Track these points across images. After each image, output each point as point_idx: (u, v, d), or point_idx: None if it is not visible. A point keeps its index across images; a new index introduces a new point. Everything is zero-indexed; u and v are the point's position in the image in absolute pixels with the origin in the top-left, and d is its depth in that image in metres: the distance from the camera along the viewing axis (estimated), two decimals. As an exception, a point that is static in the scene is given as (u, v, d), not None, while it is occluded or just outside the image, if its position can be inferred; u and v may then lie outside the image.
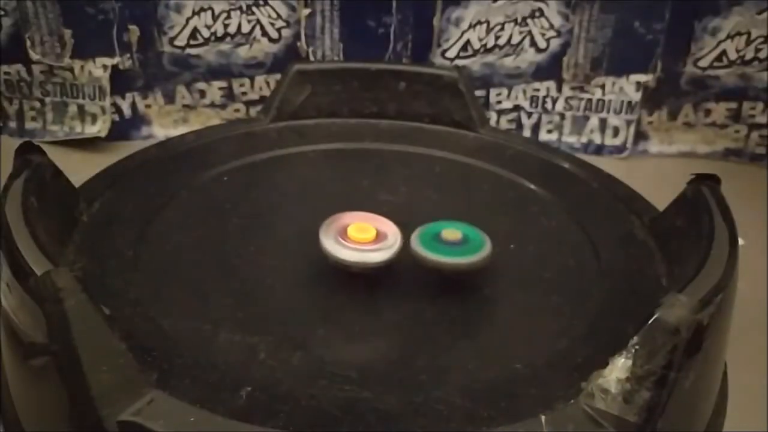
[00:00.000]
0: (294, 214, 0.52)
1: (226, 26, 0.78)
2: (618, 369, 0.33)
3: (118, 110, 0.80)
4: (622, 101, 0.80)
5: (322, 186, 0.56)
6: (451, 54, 0.79)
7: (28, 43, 0.76)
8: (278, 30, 0.78)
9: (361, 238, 0.44)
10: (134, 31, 0.77)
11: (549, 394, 0.35)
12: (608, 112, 0.81)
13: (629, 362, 0.33)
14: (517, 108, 0.82)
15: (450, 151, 0.60)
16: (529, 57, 0.79)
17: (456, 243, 0.45)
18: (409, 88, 0.63)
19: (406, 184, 0.55)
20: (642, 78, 0.79)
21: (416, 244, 0.44)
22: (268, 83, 0.80)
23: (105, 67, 0.77)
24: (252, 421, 0.33)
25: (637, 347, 0.33)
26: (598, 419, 0.33)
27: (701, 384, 0.37)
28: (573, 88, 0.80)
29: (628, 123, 0.81)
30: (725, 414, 0.43)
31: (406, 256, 0.44)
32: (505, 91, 0.81)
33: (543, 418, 0.33)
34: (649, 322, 0.33)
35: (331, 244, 0.44)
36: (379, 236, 0.45)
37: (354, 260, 0.43)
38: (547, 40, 0.79)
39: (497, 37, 0.78)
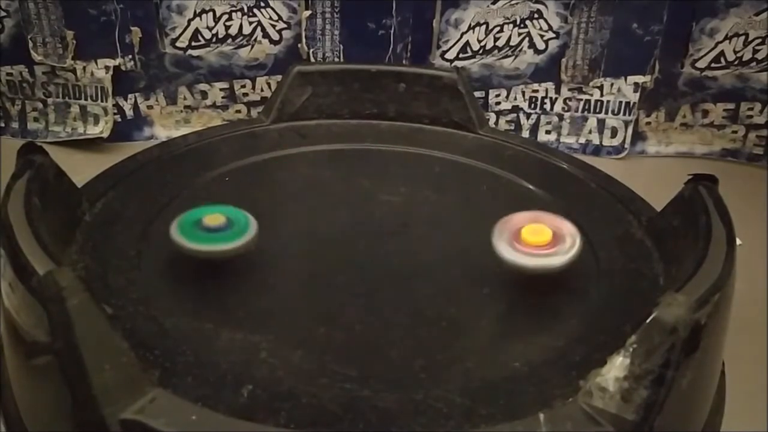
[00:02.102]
0: (295, 214, 0.52)
1: (227, 28, 0.78)
2: (616, 368, 0.33)
3: (120, 111, 0.81)
4: (620, 102, 0.80)
5: (322, 186, 0.56)
6: (450, 55, 0.79)
7: (31, 44, 0.77)
8: (279, 32, 0.78)
9: (537, 241, 0.43)
10: (136, 32, 0.77)
11: (547, 392, 0.36)
12: (606, 113, 0.81)
13: (627, 361, 0.33)
14: (515, 109, 0.82)
15: (449, 151, 0.60)
16: (527, 58, 0.80)
17: (219, 228, 0.44)
18: (409, 89, 0.64)
19: (405, 184, 0.56)
20: (640, 79, 0.79)
21: (175, 232, 0.43)
22: (269, 84, 0.81)
23: (107, 68, 0.78)
24: (253, 419, 0.33)
25: (635, 346, 0.33)
26: (596, 417, 0.33)
27: (699, 383, 0.38)
28: (571, 89, 0.81)
29: (626, 124, 0.81)
30: (723, 413, 0.44)
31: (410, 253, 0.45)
32: (504, 92, 0.81)
33: (541, 416, 0.34)
34: (647, 321, 0.33)
35: (505, 249, 0.43)
36: (555, 238, 0.43)
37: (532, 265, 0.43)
38: (546, 42, 0.79)
39: (496, 39, 0.79)
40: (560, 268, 0.43)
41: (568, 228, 0.44)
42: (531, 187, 0.56)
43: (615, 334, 0.35)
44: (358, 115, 0.64)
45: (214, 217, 0.44)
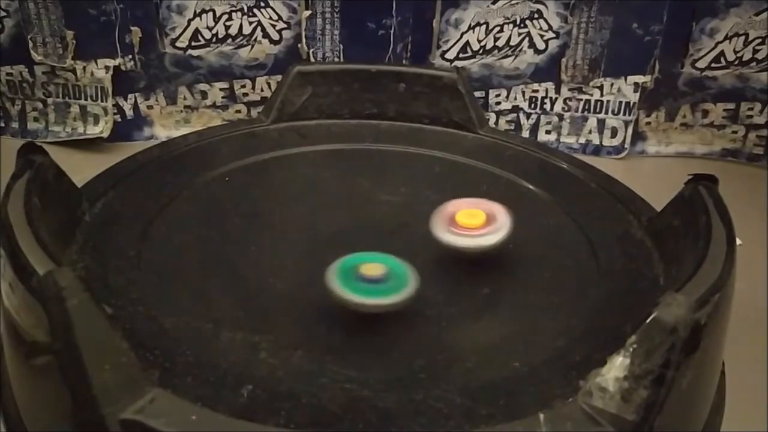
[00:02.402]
0: (295, 214, 0.52)
1: (227, 28, 0.78)
2: (616, 368, 0.33)
3: (120, 111, 0.81)
4: (620, 102, 0.80)
5: (322, 186, 0.56)
6: (450, 55, 0.79)
7: (31, 44, 0.77)
8: (279, 31, 0.78)
9: (471, 224, 0.46)
10: (136, 32, 0.77)
11: (547, 392, 0.36)
12: (606, 112, 0.81)
13: (627, 361, 0.33)
14: (515, 109, 0.82)
15: (449, 151, 0.60)
16: (527, 58, 0.80)
17: (378, 280, 0.41)
18: (408, 89, 0.64)
19: (405, 184, 0.56)
20: (640, 79, 0.79)
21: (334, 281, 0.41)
22: (269, 84, 0.81)
23: (107, 68, 0.78)
24: (253, 419, 0.33)
25: (635, 346, 0.33)
26: (596, 418, 0.33)
27: (699, 383, 0.38)
28: (571, 89, 0.81)
29: (626, 124, 0.81)
30: (723, 413, 0.44)
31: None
32: (504, 92, 0.81)
33: (541, 416, 0.34)
34: (647, 321, 0.33)
35: (443, 233, 0.46)
36: (489, 220, 0.46)
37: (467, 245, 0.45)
38: (546, 42, 0.79)
39: (496, 39, 0.79)
40: (492, 247, 0.45)
41: (500, 212, 0.47)
42: (531, 187, 0.56)
43: (615, 334, 0.35)
44: (358, 115, 0.64)
45: (372, 266, 0.42)
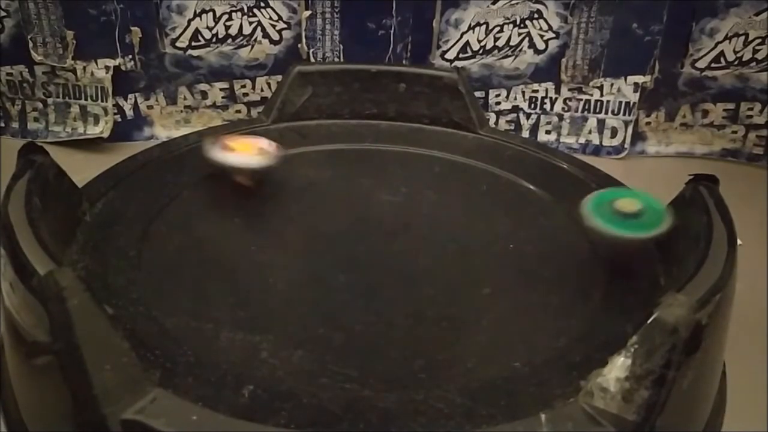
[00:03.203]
0: (295, 213, 0.52)
1: (227, 28, 0.78)
2: (617, 368, 0.33)
3: (120, 111, 0.81)
4: (620, 102, 0.80)
5: (322, 186, 0.56)
6: (450, 55, 0.79)
7: (31, 44, 0.77)
8: (279, 32, 0.78)
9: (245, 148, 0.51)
10: (136, 32, 0.77)
11: (548, 392, 0.36)
12: (606, 113, 0.81)
13: (628, 361, 0.33)
14: (515, 109, 0.82)
15: (450, 151, 0.60)
16: (527, 58, 0.80)
17: (633, 215, 0.43)
18: (409, 89, 0.64)
19: (406, 184, 0.56)
20: (640, 79, 0.79)
21: (590, 216, 0.43)
22: (269, 84, 0.81)
23: (107, 68, 0.78)
24: (254, 419, 0.33)
25: (636, 346, 0.33)
26: (597, 418, 0.33)
27: (700, 383, 0.38)
28: (571, 90, 0.81)
29: (626, 124, 0.81)
30: (724, 413, 0.44)
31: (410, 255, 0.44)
32: (503, 92, 0.81)
33: (542, 416, 0.34)
34: (648, 321, 0.33)
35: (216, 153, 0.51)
36: (261, 149, 0.52)
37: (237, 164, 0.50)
38: (546, 42, 0.79)
39: (496, 39, 0.79)
40: (256, 169, 0.51)
41: (270, 145, 0.53)
42: (531, 186, 0.56)
43: (616, 335, 0.35)
44: (358, 115, 0.64)
45: (629, 202, 0.44)
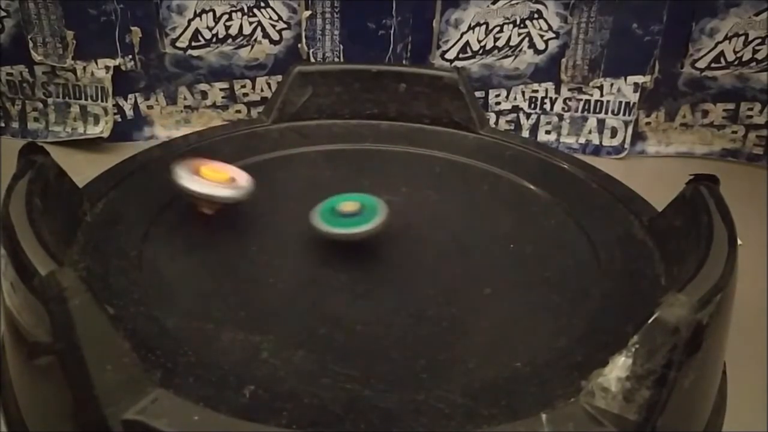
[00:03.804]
0: (296, 214, 0.52)
1: (227, 28, 0.78)
2: (618, 368, 0.33)
3: (121, 111, 0.81)
4: (620, 102, 0.81)
5: (323, 186, 0.56)
6: (450, 55, 0.79)
7: (31, 44, 0.77)
8: (279, 32, 0.78)
9: (215, 177, 0.49)
10: (136, 32, 0.77)
11: (549, 392, 0.36)
12: (606, 113, 0.81)
13: (629, 361, 0.33)
14: (515, 109, 0.82)
15: (450, 151, 0.60)
16: (527, 58, 0.80)
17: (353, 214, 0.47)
18: (409, 89, 0.64)
19: (406, 184, 0.56)
20: (640, 79, 0.79)
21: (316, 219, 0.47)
22: (269, 84, 0.81)
23: (107, 68, 0.78)
24: (255, 419, 0.33)
25: (637, 346, 0.33)
26: (598, 418, 0.33)
27: (701, 383, 0.38)
28: (571, 90, 0.81)
29: (626, 124, 0.81)
30: (725, 413, 0.44)
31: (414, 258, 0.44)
32: (503, 92, 0.81)
33: (543, 416, 0.34)
34: (649, 321, 0.33)
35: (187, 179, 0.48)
36: (232, 180, 0.49)
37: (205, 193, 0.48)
38: (546, 42, 0.79)
39: (496, 39, 0.79)
40: (229, 199, 0.48)
41: (243, 176, 0.51)
42: (532, 187, 0.56)
43: (617, 335, 0.35)
44: (358, 115, 0.64)
45: (349, 204, 0.48)
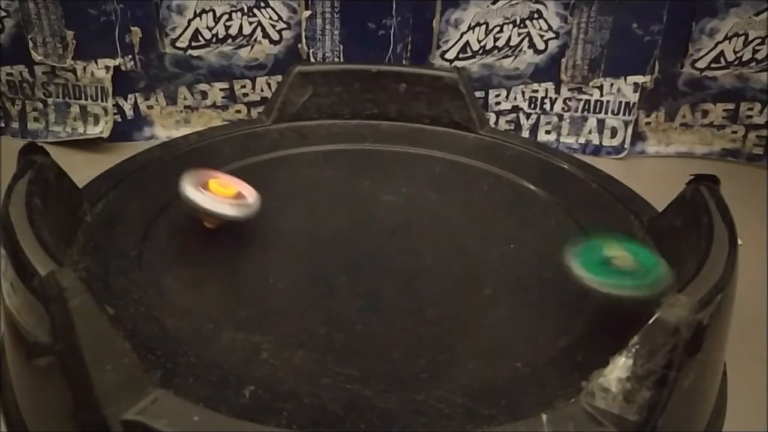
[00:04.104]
0: (296, 214, 0.52)
1: (227, 28, 0.78)
2: (618, 368, 0.33)
3: (120, 111, 0.81)
4: (620, 102, 0.80)
5: (323, 186, 0.56)
6: (450, 55, 0.79)
7: (31, 44, 0.77)
8: (279, 32, 0.78)
9: (222, 192, 0.47)
10: (136, 32, 0.77)
11: (549, 393, 0.36)
12: (606, 113, 0.81)
13: (630, 361, 0.33)
14: (515, 109, 0.82)
15: (450, 152, 0.60)
16: (527, 58, 0.80)
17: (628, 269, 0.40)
18: (409, 89, 0.64)
19: (406, 184, 0.56)
20: (640, 79, 0.79)
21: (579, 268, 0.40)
22: (269, 84, 0.81)
23: (107, 68, 0.78)
24: (255, 419, 0.33)
25: (637, 347, 0.33)
26: (598, 418, 0.33)
27: (701, 383, 0.38)
28: (571, 90, 0.81)
29: (626, 124, 0.81)
30: (725, 413, 0.44)
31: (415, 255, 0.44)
32: (503, 92, 0.81)
33: (544, 416, 0.34)
34: (650, 321, 0.33)
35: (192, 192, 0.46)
36: (240, 196, 0.48)
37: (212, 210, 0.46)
38: (546, 42, 0.79)
39: (496, 39, 0.79)
40: (234, 218, 0.47)
41: (251, 192, 0.49)
42: (532, 187, 0.56)
43: (617, 335, 0.35)
44: (358, 116, 0.64)
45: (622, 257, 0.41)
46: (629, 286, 0.39)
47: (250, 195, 0.49)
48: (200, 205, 0.46)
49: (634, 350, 0.33)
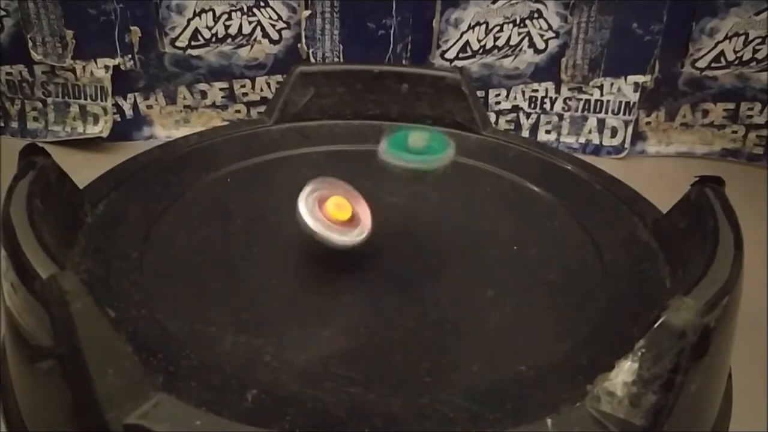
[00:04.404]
0: (298, 215, 0.52)
1: (227, 27, 0.78)
2: (624, 372, 0.33)
3: (120, 111, 0.80)
4: (620, 102, 0.80)
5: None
6: (450, 55, 0.79)
7: (30, 44, 0.76)
8: (279, 31, 0.78)
9: (338, 215, 0.45)
10: (136, 31, 0.77)
11: (554, 396, 0.35)
12: (606, 112, 0.81)
13: (635, 365, 0.33)
14: (515, 109, 0.82)
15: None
16: (527, 58, 0.80)
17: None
18: (411, 90, 0.63)
19: (408, 185, 0.55)
20: (640, 79, 0.79)
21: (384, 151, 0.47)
22: (268, 84, 0.81)
23: (107, 67, 0.78)
24: (258, 423, 0.33)
25: (643, 350, 0.33)
26: (604, 422, 0.33)
27: (707, 387, 0.38)
28: (571, 89, 0.81)
29: (626, 123, 0.81)
30: (730, 417, 0.43)
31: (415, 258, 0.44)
32: (503, 92, 0.81)
33: (549, 421, 0.33)
34: (656, 325, 0.33)
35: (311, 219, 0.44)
36: (354, 219, 0.46)
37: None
38: (546, 41, 0.79)
39: (496, 39, 0.79)
40: (346, 246, 0.44)
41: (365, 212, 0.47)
42: (535, 188, 0.56)
43: (622, 338, 0.35)
44: (360, 116, 0.64)
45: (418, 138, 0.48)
46: (414, 160, 0.46)
47: (365, 216, 0.46)
48: (313, 230, 0.44)
49: (640, 354, 0.33)
